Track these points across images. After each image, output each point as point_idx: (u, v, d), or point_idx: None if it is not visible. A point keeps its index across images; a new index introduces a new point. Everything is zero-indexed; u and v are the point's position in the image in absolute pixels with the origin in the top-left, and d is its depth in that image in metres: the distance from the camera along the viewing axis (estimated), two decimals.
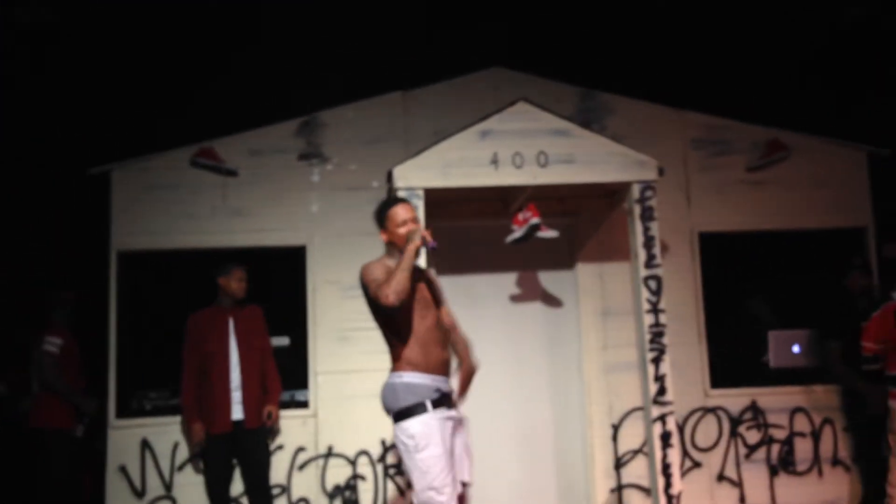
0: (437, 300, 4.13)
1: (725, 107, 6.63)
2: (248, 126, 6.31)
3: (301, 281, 6.14)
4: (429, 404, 3.84)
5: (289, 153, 6.27)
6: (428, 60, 7.25)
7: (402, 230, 4.03)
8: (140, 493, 5.80)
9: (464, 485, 3.97)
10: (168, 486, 5.83)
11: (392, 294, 3.77)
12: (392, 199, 4.23)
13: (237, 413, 5.49)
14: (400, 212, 4.08)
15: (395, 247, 4.08)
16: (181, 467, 5.85)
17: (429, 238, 3.97)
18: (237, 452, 5.54)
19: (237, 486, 5.64)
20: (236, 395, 5.51)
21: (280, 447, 5.88)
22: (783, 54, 7.41)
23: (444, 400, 3.91)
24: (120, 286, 6.03)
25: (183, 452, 5.86)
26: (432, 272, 4.36)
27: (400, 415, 3.87)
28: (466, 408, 6.06)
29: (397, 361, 3.96)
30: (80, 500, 6.24)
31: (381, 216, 4.14)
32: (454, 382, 4.11)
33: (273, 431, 5.83)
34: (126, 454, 5.83)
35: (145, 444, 5.85)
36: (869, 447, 5.84)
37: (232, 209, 6.15)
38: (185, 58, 7.57)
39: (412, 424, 3.83)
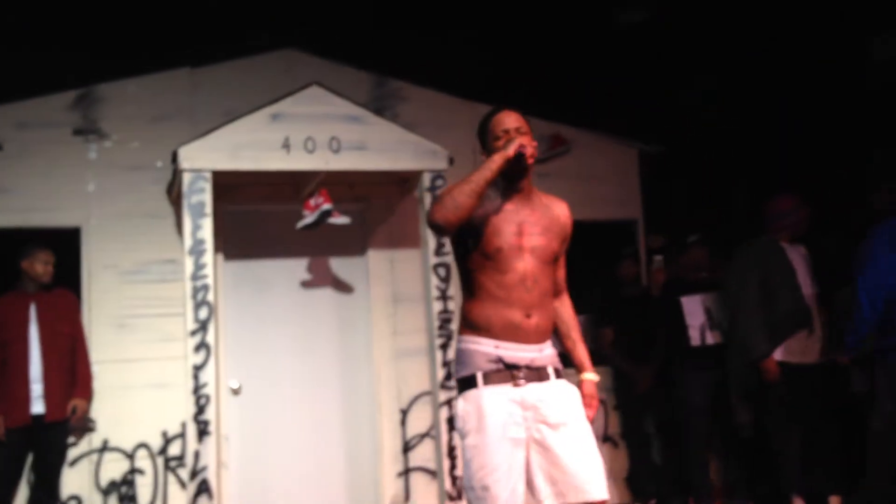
0: (542, 251, 3.09)
1: (512, 100, 6.85)
2: (15, 97, 5.81)
3: (75, 265, 5.75)
4: (479, 377, 2.96)
5: (62, 127, 5.83)
6: (217, 37, 6.98)
7: (501, 144, 3.06)
8: None
9: None
10: None
11: (439, 210, 2.88)
12: (493, 109, 3.20)
13: (37, 407, 5.10)
14: (504, 119, 3.11)
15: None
16: None
17: (529, 148, 3.00)
18: (32, 446, 5.14)
19: None
20: (36, 388, 5.11)
21: None
22: (566, 51, 7.77)
23: (509, 374, 2.96)
24: None
25: None
26: (562, 210, 3.28)
27: (458, 389, 3.04)
28: (254, 397, 5.97)
29: (461, 322, 3.10)
30: None
31: (480, 131, 3.18)
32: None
33: (84, 427, 5.46)
34: None
35: None
36: (635, 424, 6.29)
37: None
38: None
39: (459, 402, 3.01)
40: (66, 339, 5.28)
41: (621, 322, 6.17)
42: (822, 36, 6.99)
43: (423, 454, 6.11)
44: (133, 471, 5.63)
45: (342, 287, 6.37)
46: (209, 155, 5.32)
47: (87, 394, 5.37)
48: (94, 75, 6.03)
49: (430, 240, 5.68)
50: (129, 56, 6.60)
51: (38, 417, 5.11)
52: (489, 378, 2.95)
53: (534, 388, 2.98)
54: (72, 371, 5.28)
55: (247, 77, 6.20)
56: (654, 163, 7.05)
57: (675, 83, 7.94)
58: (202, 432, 5.04)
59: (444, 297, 5.63)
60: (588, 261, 6.74)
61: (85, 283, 5.73)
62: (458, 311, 3.13)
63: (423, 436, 6.15)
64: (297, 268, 6.29)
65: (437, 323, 5.60)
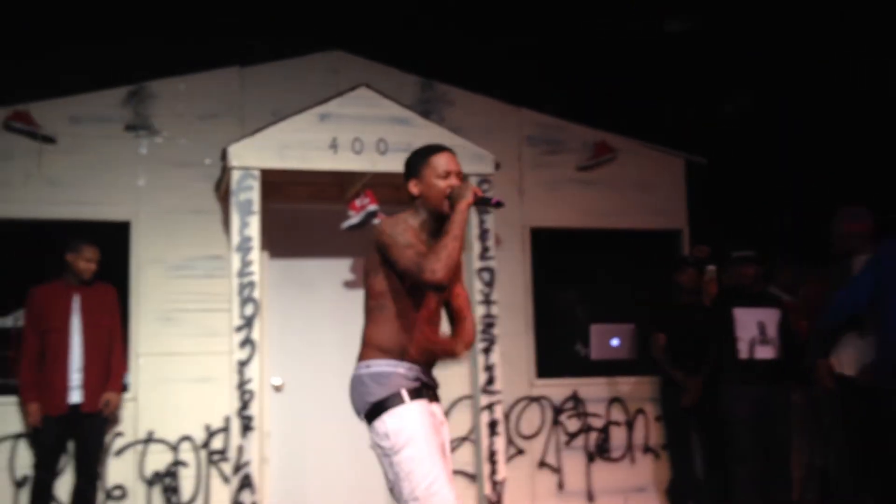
0: (451, 283, 3.23)
1: (559, 106, 6.85)
2: (70, 91, 5.91)
3: (124, 258, 5.82)
4: (405, 394, 3.09)
5: (114, 123, 5.92)
6: (267, 37, 7.04)
7: (443, 184, 3.16)
8: None
9: None
10: None
11: (442, 269, 2.98)
12: (435, 146, 3.32)
13: (75, 396, 5.18)
14: (444, 161, 3.21)
15: (425, 203, 3.19)
16: None
17: (481, 192, 3.15)
18: (72, 435, 5.22)
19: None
20: (76, 378, 5.19)
21: None
22: (613, 58, 7.74)
23: (425, 392, 3.16)
24: None
25: None
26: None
27: (371, 413, 3.12)
28: (296, 394, 5.99)
29: (365, 347, 3.20)
30: None
31: (418, 161, 3.25)
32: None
33: (111, 419, 5.50)
34: None
35: None
36: (680, 436, 6.18)
37: (48, 178, 5.74)
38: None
39: (386, 421, 3.07)
40: (105, 332, 5.34)
41: (673, 329, 6.06)
42: (875, 51, 6.90)
43: (463, 458, 6.09)
44: (176, 463, 5.68)
45: None
46: (258, 153, 5.37)
47: (120, 387, 5.41)
48: (147, 72, 6.11)
49: (475, 244, 5.67)
50: (180, 54, 6.68)
51: (75, 407, 5.17)
52: (413, 395, 3.11)
53: (436, 407, 3.24)
54: (108, 364, 5.33)
55: (295, 77, 6.25)
56: (701, 173, 6.98)
57: (722, 94, 7.87)
58: (246, 427, 5.07)
59: (487, 301, 5.62)
60: (632, 268, 6.74)
61: (133, 277, 5.80)
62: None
63: (462, 439, 6.13)
64: (341, 268, 6.31)
65: (480, 327, 5.58)
